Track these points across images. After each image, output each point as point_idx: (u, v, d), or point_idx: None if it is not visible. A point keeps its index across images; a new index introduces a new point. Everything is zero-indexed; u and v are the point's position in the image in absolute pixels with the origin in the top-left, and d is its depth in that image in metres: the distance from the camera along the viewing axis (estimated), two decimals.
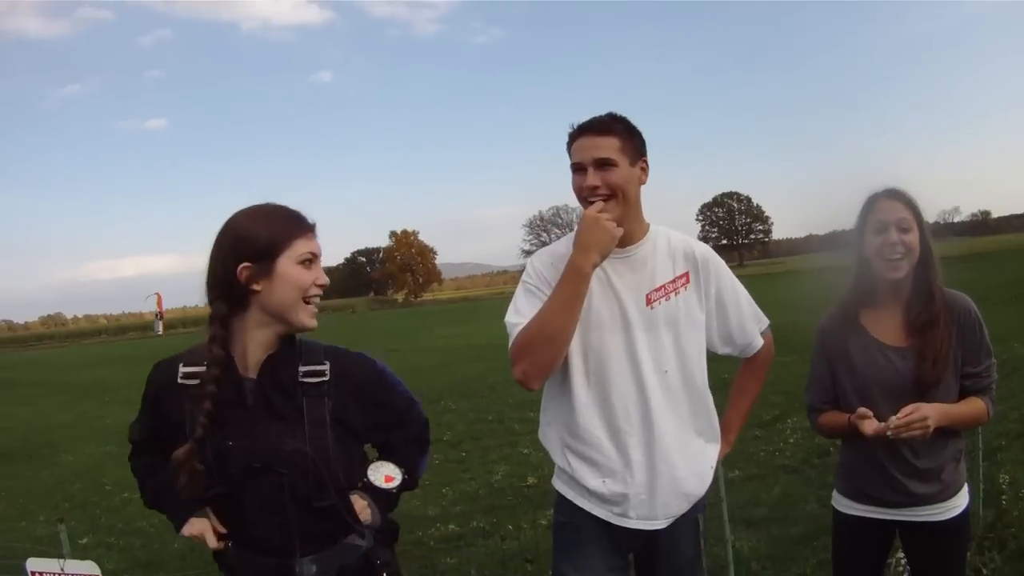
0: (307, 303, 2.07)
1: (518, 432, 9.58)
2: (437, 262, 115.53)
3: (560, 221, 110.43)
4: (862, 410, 2.55)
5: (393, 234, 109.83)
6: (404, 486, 2.24)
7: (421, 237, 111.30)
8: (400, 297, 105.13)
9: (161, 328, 63.77)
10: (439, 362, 18.71)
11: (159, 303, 65.89)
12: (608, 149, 2.48)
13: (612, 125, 2.51)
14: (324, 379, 2.12)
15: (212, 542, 2.07)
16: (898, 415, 2.47)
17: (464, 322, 34.07)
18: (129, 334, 68.60)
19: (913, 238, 2.60)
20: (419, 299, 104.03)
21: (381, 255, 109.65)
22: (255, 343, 2.08)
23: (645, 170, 2.59)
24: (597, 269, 2.48)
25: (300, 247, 2.05)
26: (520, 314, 2.54)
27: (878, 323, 2.72)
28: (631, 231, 2.58)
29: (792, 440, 7.97)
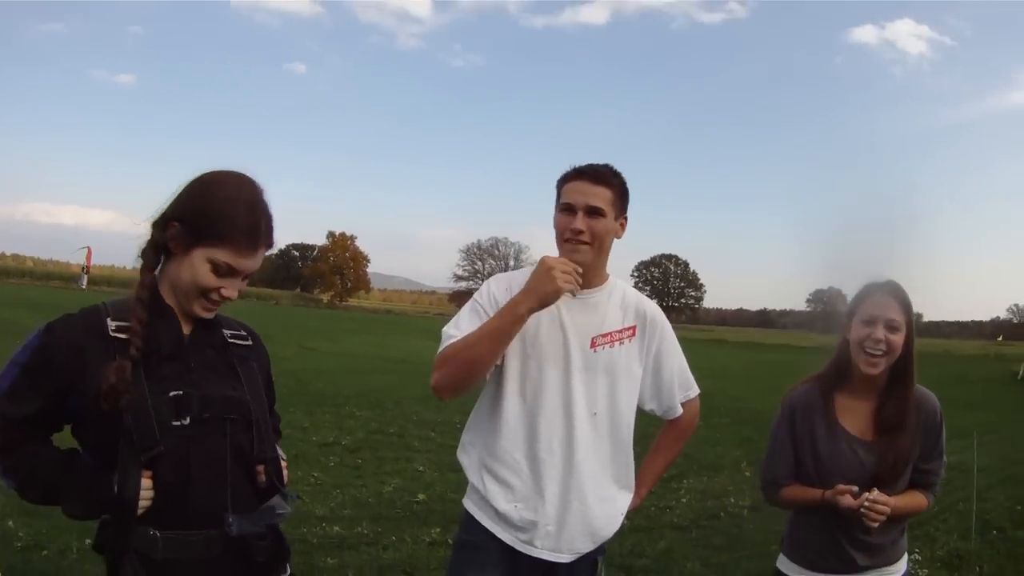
0: (207, 300, 2.01)
1: (416, 449, 9.54)
2: (369, 270, 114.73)
3: (497, 253, 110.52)
4: (843, 487, 2.58)
5: (331, 235, 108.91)
6: None
7: (358, 243, 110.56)
8: (326, 298, 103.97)
9: (85, 283, 61.95)
10: (351, 368, 18.58)
11: (88, 257, 64.19)
12: (601, 199, 2.58)
13: (610, 178, 2.63)
14: (249, 343, 2.16)
15: (146, 501, 1.87)
16: (872, 496, 2.53)
17: (384, 333, 33.84)
18: (53, 282, 66.43)
19: (898, 339, 2.64)
20: (344, 303, 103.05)
21: (316, 253, 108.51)
22: (171, 300, 2.03)
23: (623, 226, 2.71)
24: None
25: (223, 254, 1.97)
26: (458, 328, 2.60)
27: (849, 412, 2.76)
28: (592, 277, 2.67)
29: (684, 500, 8.05)
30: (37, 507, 5.75)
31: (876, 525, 2.54)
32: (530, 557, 2.62)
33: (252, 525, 1.96)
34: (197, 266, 1.96)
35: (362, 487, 7.69)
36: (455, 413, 10.23)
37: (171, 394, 1.91)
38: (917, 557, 5.70)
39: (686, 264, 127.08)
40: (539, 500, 2.59)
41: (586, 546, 2.66)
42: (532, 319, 2.55)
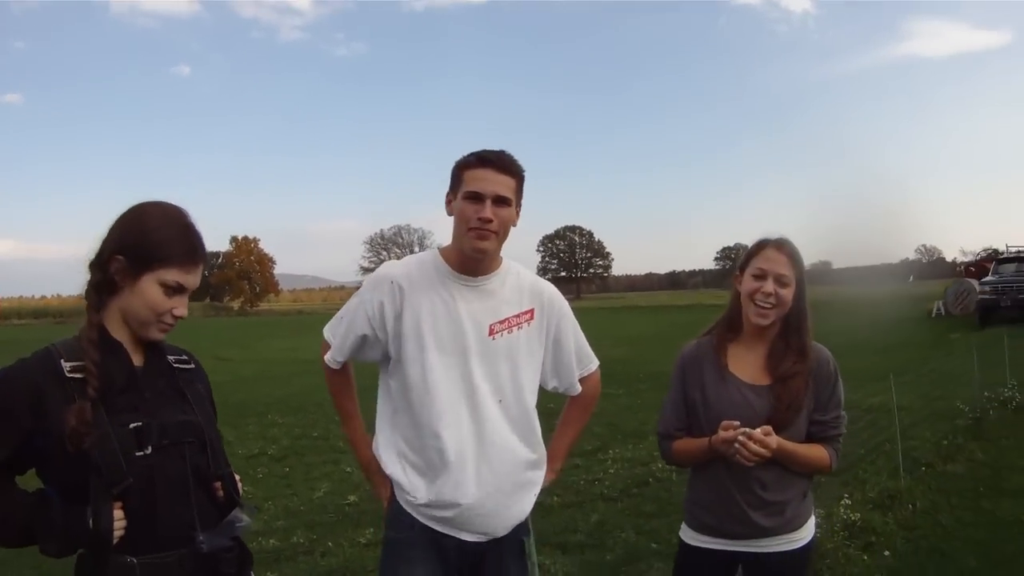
0: (162, 323, 2.08)
1: (342, 450, 9.47)
2: (276, 271, 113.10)
3: (401, 241, 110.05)
4: (727, 422, 2.59)
5: (234, 239, 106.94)
6: None
7: (262, 245, 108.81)
8: (236, 304, 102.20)
9: None
10: (269, 374, 18.36)
11: None
12: (508, 188, 2.60)
13: (514, 166, 2.64)
14: (191, 367, 2.24)
15: (119, 531, 1.92)
16: (749, 430, 2.54)
17: (297, 335, 33.45)
18: None
19: (788, 293, 2.69)
20: (255, 308, 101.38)
21: (220, 260, 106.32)
22: (120, 334, 2.08)
23: (519, 212, 2.71)
24: (444, 292, 2.65)
25: (172, 274, 2.04)
26: (334, 335, 2.79)
27: (740, 360, 2.79)
28: (487, 264, 2.70)
29: (612, 471, 8.16)
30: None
31: (750, 463, 2.56)
32: (456, 544, 2.66)
33: (220, 540, 2.06)
34: (148, 292, 2.03)
35: (292, 496, 7.64)
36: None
37: (131, 426, 1.97)
38: (847, 501, 5.83)
39: (591, 234, 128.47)
40: (457, 489, 2.62)
41: (505, 528, 2.71)
42: (427, 309, 2.63)
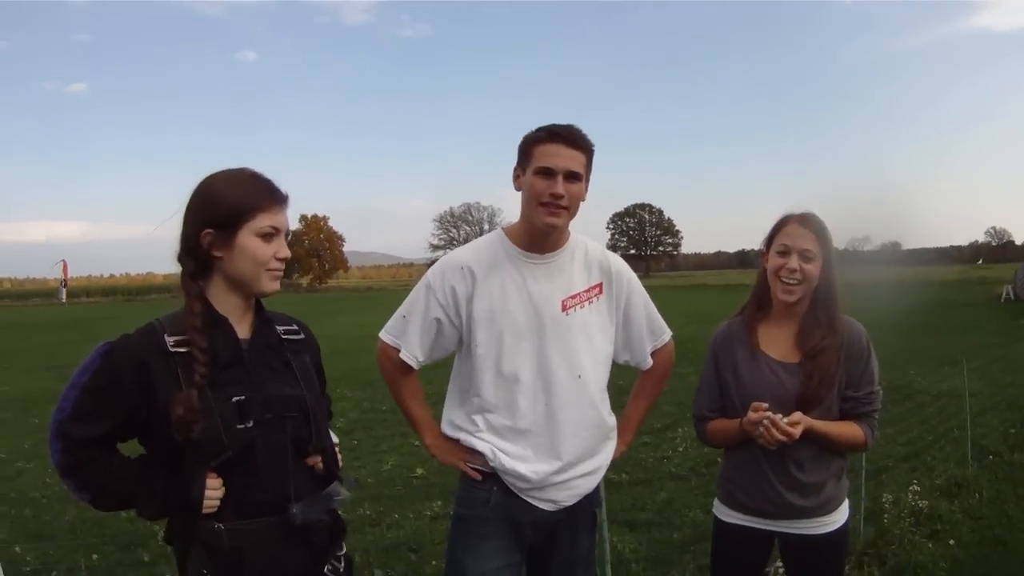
0: (272, 271, 2.10)
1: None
2: (345, 249, 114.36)
3: (470, 219, 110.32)
4: (756, 403, 2.58)
5: (304, 218, 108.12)
6: None
7: (331, 223, 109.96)
8: (305, 282, 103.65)
9: (65, 296, 61.68)
10: (339, 350, 18.55)
11: (64, 271, 63.88)
12: (579, 163, 2.56)
13: (584, 141, 2.59)
14: (301, 337, 2.26)
15: (215, 501, 1.99)
16: (778, 416, 2.52)
17: (366, 311, 33.76)
18: (32, 300, 65.79)
19: (813, 268, 2.65)
20: (324, 285, 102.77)
21: (290, 238, 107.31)
22: (228, 305, 2.11)
23: (588, 188, 2.66)
24: (514, 272, 2.63)
25: (263, 220, 2.06)
26: (401, 333, 2.76)
27: (770, 338, 2.76)
28: (556, 240, 2.67)
29: (681, 449, 8.13)
30: (43, 530, 5.85)
31: (772, 447, 2.55)
32: (530, 520, 2.67)
33: (314, 512, 2.09)
34: (248, 246, 2.05)
35: (360, 468, 7.72)
36: (446, 383, 10.05)
37: (234, 400, 2.00)
38: (916, 488, 5.73)
39: (660, 212, 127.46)
40: (533, 455, 2.63)
41: (575, 498, 2.72)
42: (498, 289, 2.62)
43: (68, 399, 1.96)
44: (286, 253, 2.12)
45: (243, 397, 2.01)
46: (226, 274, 2.08)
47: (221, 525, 1.98)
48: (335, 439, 2.34)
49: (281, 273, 2.13)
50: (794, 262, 2.64)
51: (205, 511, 1.96)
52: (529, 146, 2.59)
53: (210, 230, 2.04)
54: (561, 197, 2.52)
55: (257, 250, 2.05)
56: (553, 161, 2.52)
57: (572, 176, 2.54)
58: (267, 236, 2.06)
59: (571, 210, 2.58)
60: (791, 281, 2.66)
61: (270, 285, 2.11)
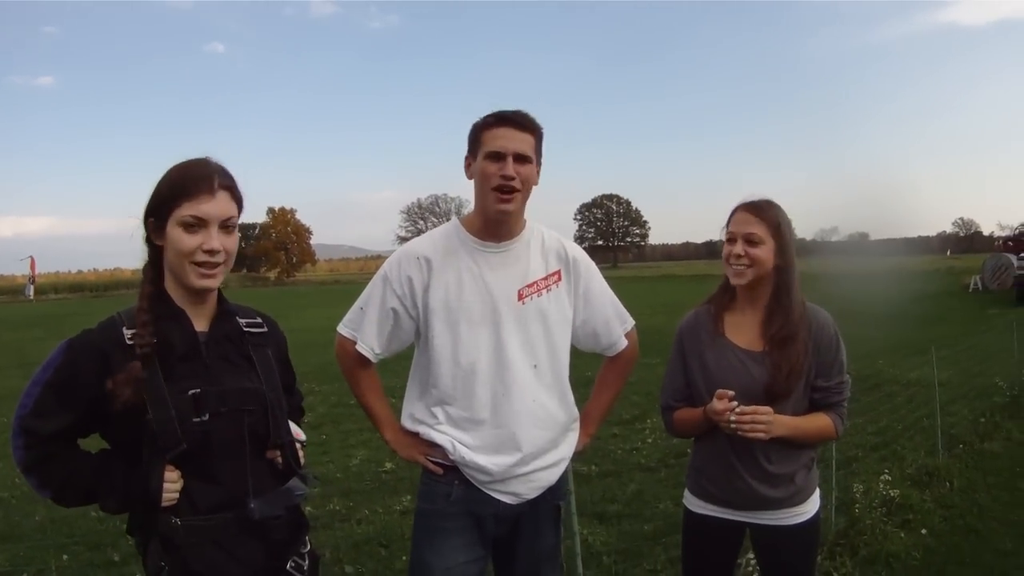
0: (197, 265, 2.03)
1: None
2: (312, 242, 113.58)
3: (438, 210, 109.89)
4: (721, 391, 2.58)
5: (271, 211, 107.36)
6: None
7: (299, 216, 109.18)
8: (273, 275, 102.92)
9: (32, 292, 60.75)
10: (307, 343, 18.45)
11: (32, 267, 63.03)
12: (527, 145, 2.57)
13: (532, 123, 2.60)
14: (264, 330, 2.24)
15: (172, 494, 1.98)
16: (749, 408, 2.53)
17: (334, 304, 33.51)
18: (0, 298, 64.69)
19: (761, 252, 2.66)
20: (291, 278, 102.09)
21: (257, 231, 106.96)
22: (180, 297, 2.08)
23: (539, 172, 2.67)
24: (470, 262, 2.63)
25: (186, 209, 2.00)
26: (358, 325, 2.73)
27: (736, 328, 2.77)
28: (511, 227, 2.67)
29: (650, 440, 8.14)
30: (12, 531, 5.77)
31: (759, 435, 2.54)
32: (492, 512, 2.66)
33: (272, 508, 2.09)
34: (172, 236, 2.01)
35: (329, 463, 7.68)
36: None
37: (190, 392, 1.99)
38: (887, 477, 5.78)
39: (628, 203, 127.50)
40: (492, 447, 2.63)
41: (537, 490, 2.71)
42: (454, 279, 2.62)
43: (30, 395, 1.97)
44: (215, 245, 2.02)
45: (199, 390, 2.00)
46: (167, 262, 2.06)
47: (178, 520, 1.98)
48: (302, 436, 2.33)
49: (215, 267, 2.04)
50: (739, 247, 2.67)
51: (164, 504, 1.96)
52: (478, 132, 2.61)
53: (151, 219, 2.04)
54: (512, 179, 2.53)
55: (179, 241, 2.00)
56: (502, 144, 2.54)
57: (521, 158, 2.55)
58: (189, 227, 2.00)
59: (523, 193, 2.59)
60: (738, 265, 2.67)
61: (197, 280, 2.04)
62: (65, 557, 5.23)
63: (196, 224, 2.00)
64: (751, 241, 2.66)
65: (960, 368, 10.66)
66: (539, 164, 2.65)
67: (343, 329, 2.76)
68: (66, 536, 5.61)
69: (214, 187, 2.03)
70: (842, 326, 2.78)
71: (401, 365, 2.89)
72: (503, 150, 2.53)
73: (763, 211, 2.70)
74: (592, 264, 2.84)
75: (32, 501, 6.26)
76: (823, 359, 2.71)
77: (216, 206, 2.02)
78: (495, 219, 2.61)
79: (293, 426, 2.30)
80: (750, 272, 2.67)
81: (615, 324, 2.86)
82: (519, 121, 2.57)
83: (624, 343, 2.90)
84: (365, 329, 2.70)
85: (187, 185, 2.01)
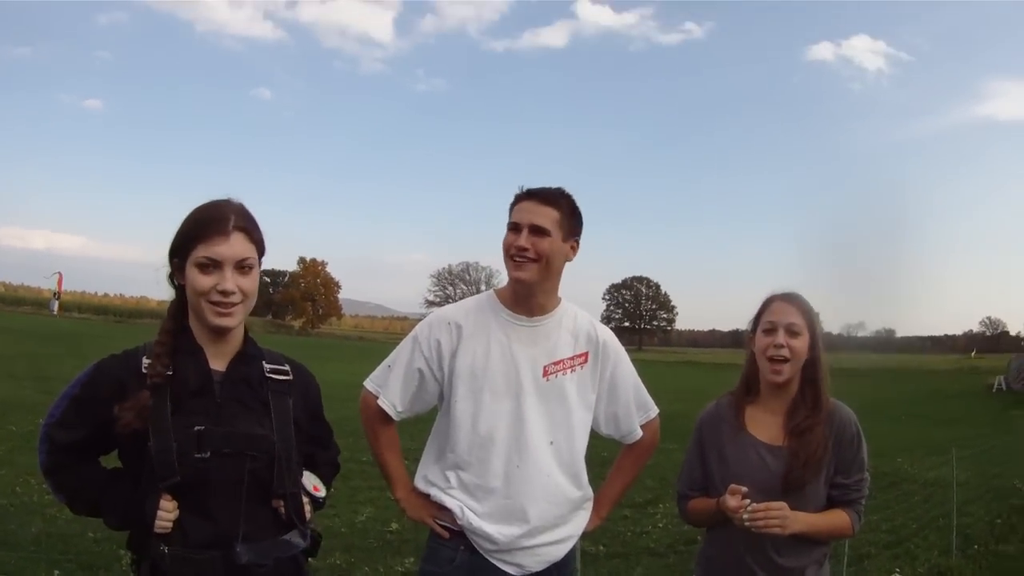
0: (213, 304, 2.07)
1: None
2: (340, 296, 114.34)
3: (468, 278, 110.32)
4: (734, 486, 2.53)
5: (302, 260, 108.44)
6: (322, 502, 2.34)
7: (329, 269, 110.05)
8: (298, 324, 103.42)
9: (56, 308, 61.61)
10: (325, 395, 18.50)
11: (59, 283, 64.04)
12: (546, 219, 2.60)
13: (557, 199, 2.64)
14: (288, 379, 2.24)
15: (166, 522, 2.01)
16: (762, 505, 2.47)
17: (356, 360, 33.65)
18: (23, 307, 65.51)
19: (800, 344, 2.63)
20: (316, 329, 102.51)
21: (287, 279, 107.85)
22: (202, 336, 2.13)
23: (575, 249, 2.71)
24: (499, 333, 2.66)
25: (200, 251, 2.05)
26: (384, 382, 2.75)
27: (758, 421, 2.73)
28: (543, 302, 2.70)
29: (661, 525, 8.04)
30: (7, 539, 5.77)
31: (773, 530, 2.46)
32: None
33: (261, 556, 2.08)
34: (190, 277, 2.07)
35: (335, 516, 7.62)
36: None
37: (195, 428, 2.02)
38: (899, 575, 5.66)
39: (657, 286, 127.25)
40: (502, 517, 2.61)
41: (543, 564, 2.69)
42: (482, 348, 2.64)
43: (59, 407, 2.09)
44: (229, 286, 2.05)
45: (203, 427, 2.03)
46: (190, 303, 2.11)
47: (167, 548, 2.01)
48: (322, 492, 2.33)
49: (231, 306, 2.08)
50: (781, 337, 2.63)
51: (157, 531, 1.99)
52: (510, 206, 2.68)
53: (175, 260, 2.12)
54: (525, 250, 2.57)
55: (195, 281, 2.06)
56: (519, 216, 2.61)
57: (537, 230, 2.58)
58: (204, 267, 2.05)
59: (541, 263, 2.60)
60: (779, 357, 2.63)
61: (214, 319, 2.08)
62: (56, 572, 5.21)
63: (210, 265, 2.06)
64: (792, 331, 2.64)
65: (980, 469, 10.54)
66: (570, 240, 2.69)
67: (368, 384, 2.78)
68: (60, 552, 5.60)
69: (228, 229, 2.07)
70: (862, 422, 2.74)
71: (418, 428, 2.89)
72: (520, 221, 2.60)
73: (801, 303, 2.69)
74: (621, 349, 2.85)
75: (30, 511, 6.27)
76: (844, 455, 2.66)
77: (230, 248, 2.07)
78: (514, 288, 2.66)
79: (312, 479, 2.31)
80: (788, 368, 2.64)
81: (635, 413, 2.86)
82: (543, 195, 2.63)
83: (639, 433, 2.88)
84: (390, 386, 2.72)
85: (202, 227, 2.07)
